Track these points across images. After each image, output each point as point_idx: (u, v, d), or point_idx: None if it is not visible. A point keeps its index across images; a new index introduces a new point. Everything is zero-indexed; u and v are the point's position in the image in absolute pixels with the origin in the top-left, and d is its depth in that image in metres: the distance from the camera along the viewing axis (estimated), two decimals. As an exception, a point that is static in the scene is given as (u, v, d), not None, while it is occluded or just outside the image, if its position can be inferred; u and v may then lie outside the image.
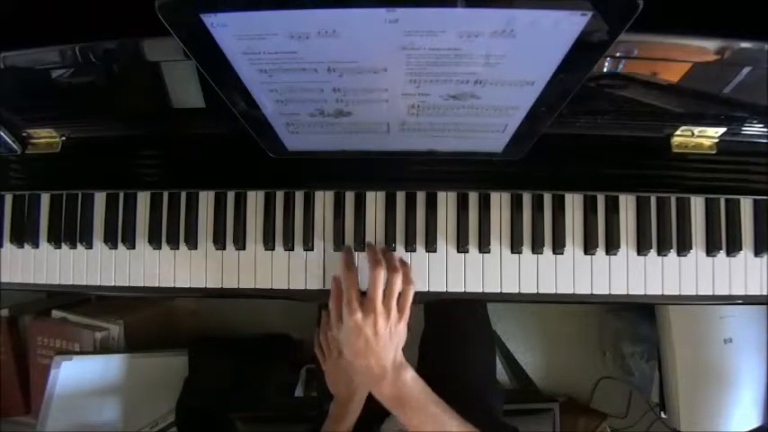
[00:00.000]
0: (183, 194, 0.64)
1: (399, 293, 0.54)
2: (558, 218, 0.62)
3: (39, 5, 0.48)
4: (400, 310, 0.54)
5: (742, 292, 0.61)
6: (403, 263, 0.57)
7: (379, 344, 0.52)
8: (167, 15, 0.34)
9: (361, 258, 0.62)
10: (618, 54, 0.45)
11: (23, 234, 0.66)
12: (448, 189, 0.62)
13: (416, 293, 0.59)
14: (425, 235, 0.62)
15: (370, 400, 0.57)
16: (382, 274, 0.53)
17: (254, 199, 0.63)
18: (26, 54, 0.48)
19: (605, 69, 0.47)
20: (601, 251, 0.61)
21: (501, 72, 0.39)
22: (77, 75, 0.51)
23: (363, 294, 0.54)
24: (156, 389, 0.97)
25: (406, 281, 0.55)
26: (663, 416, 1.09)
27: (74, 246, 0.65)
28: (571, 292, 0.61)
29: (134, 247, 0.64)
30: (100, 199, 0.65)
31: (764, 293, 0.61)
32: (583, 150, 0.58)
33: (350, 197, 0.63)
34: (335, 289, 0.56)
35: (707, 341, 0.97)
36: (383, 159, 0.58)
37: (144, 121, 0.61)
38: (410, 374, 0.54)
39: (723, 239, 0.61)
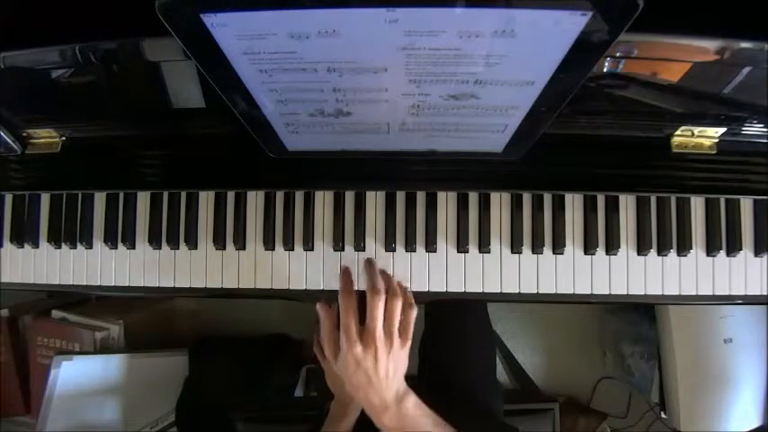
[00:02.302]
0: (183, 194, 0.64)
1: (401, 318, 0.52)
2: (558, 218, 0.62)
3: (39, 5, 0.48)
4: (403, 336, 0.51)
5: (742, 292, 0.61)
6: (403, 288, 0.54)
7: (381, 376, 0.50)
8: (167, 15, 0.34)
9: (360, 258, 0.62)
10: (618, 54, 0.45)
11: (23, 234, 0.66)
12: (448, 189, 0.62)
13: (416, 293, 0.59)
14: (425, 235, 0.62)
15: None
16: (382, 302, 0.50)
17: (254, 199, 0.63)
18: (26, 54, 0.48)
19: (605, 69, 0.47)
20: (601, 251, 0.61)
21: (501, 72, 0.39)
22: (77, 75, 0.51)
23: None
24: (156, 389, 0.97)
25: (408, 305, 0.52)
26: (663, 416, 1.09)
27: (74, 246, 0.65)
28: (571, 292, 0.61)
29: (134, 247, 0.64)
30: (100, 199, 0.65)
31: (764, 293, 0.61)
32: (583, 150, 0.58)
33: (350, 197, 0.63)
34: (326, 317, 0.54)
35: (707, 341, 0.97)
36: (383, 159, 0.58)
37: (144, 121, 0.61)
38: (412, 403, 0.52)
39: (723, 239, 0.61)
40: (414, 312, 0.53)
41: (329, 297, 0.57)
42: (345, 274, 0.56)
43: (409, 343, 0.52)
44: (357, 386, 0.51)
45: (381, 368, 0.50)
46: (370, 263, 0.58)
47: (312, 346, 0.70)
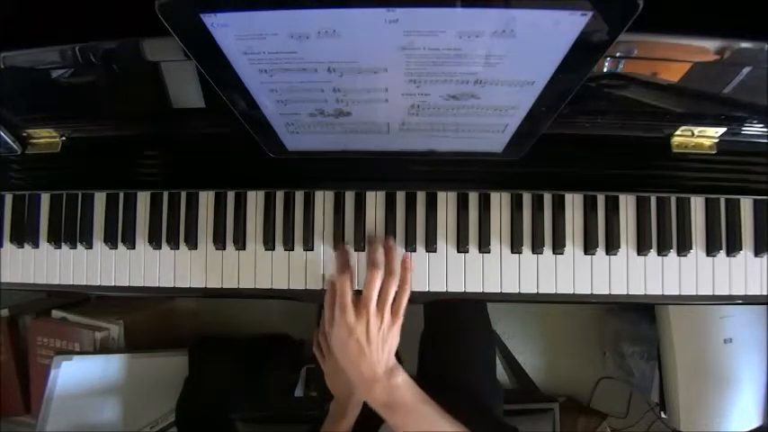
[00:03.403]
0: (183, 194, 0.64)
1: (395, 296, 0.54)
2: (558, 218, 0.62)
3: (39, 5, 0.48)
4: (394, 313, 0.54)
5: (742, 292, 0.61)
6: (405, 267, 0.56)
7: (371, 348, 0.52)
8: (167, 15, 0.34)
9: (360, 257, 0.62)
10: (618, 54, 0.45)
11: (23, 234, 0.66)
12: (448, 189, 0.62)
13: (416, 293, 0.59)
14: (425, 235, 0.62)
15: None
16: (379, 277, 0.53)
17: (254, 199, 0.63)
18: (26, 54, 0.48)
19: (605, 69, 0.47)
20: (601, 251, 0.61)
21: (501, 72, 0.39)
22: (77, 75, 0.51)
23: (359, 294, 0.53)
24: (156, 389, 0.97)
25: (404, 284, 0.55)
26: (663, 416, 1.09)
27: (74, 246, 0.65)
28: (571, 292, 0.61)
29: (134, 247, 0.64)
30: (100, 199, 0.65)
31: (764, 293, 0.61)
32: (583, 150, 0.58)
33: (350, 197, 0.63)
34: (331, 290, 0.56)
35: (707, 341, 0.97)
36: (383, 159, 0.58)
37: (144, 121, 0.61)
38: (401, 378, 0.53)
39: (723, 239, 0.61)
40: (407, 292, 0.55)
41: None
42: (341, 252, 0.59)
43: (400, 321, 0.54)
44: (349, 357, 0.52)
45: (372, 339, 0.52)
46: (371, 240, 0.60)
47: (312, 347, 0.71)
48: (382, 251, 0.57)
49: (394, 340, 0.54)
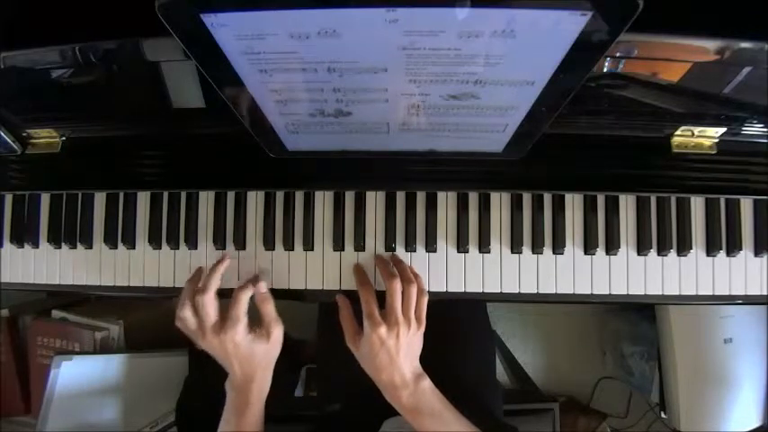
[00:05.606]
0: (183, 194, 0.64)
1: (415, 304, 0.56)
2: (558, 218, 0.62)
3: (39, 5, 0.48)
4: (418, 320, 0.56)
5: (742, 292, 0.61)
6: (415, 274, 0.58)
7: (401, 355, 0.53)
8: (167, 15, 0.34)
9: (360, 257, 0.62)
10: (618, 54, 0.45)
11: (23, 234, 0.66)
12: (448, 189, 0.62)
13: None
14: (425, 235, 0.62)
15: (372, 400, 0.57)
16: (398, 286, 0.55)
17: (254, 199, 0.63)
18: (26, 54, 0.47)
19: (605, 69, 0.47)
20: (601, 251, 0.61)
21: (501, 72, 0.39)
22: (77, 75, 0.51)
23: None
24: (156, 389, 0.97)
25: (420, 291, 0.56)
26: (663, 416, 1.09)
27: (74, 246, 0.65)
28: (571, 292, 0.61)
29: (134, 247, 0.64)
30: (100, 199, 0.65)
31: (764, 293, 0.61)
32: (583, 150, 0.58)
33: (350, 197, 0.63)
34: (344, 307, 0.58)
35: (707, 341, 0.97)
36: (383, 159, 0.58)
37: (144, 121, 0.61)
38: (428, 384, 0.55)
39: (723, 239, 0.61)
40: (425, 298, 0.57)
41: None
42: (358, 269, 0.61)
43: (423, 327, 0.56)
44: (380, 367, 0.54)
45: (402, 347, 0.53)
46: (380, 259, 0.61)
47: (312, 347, 0.71)
48: (391, 264, 0.59)
49: (419, 346, 0.56)
